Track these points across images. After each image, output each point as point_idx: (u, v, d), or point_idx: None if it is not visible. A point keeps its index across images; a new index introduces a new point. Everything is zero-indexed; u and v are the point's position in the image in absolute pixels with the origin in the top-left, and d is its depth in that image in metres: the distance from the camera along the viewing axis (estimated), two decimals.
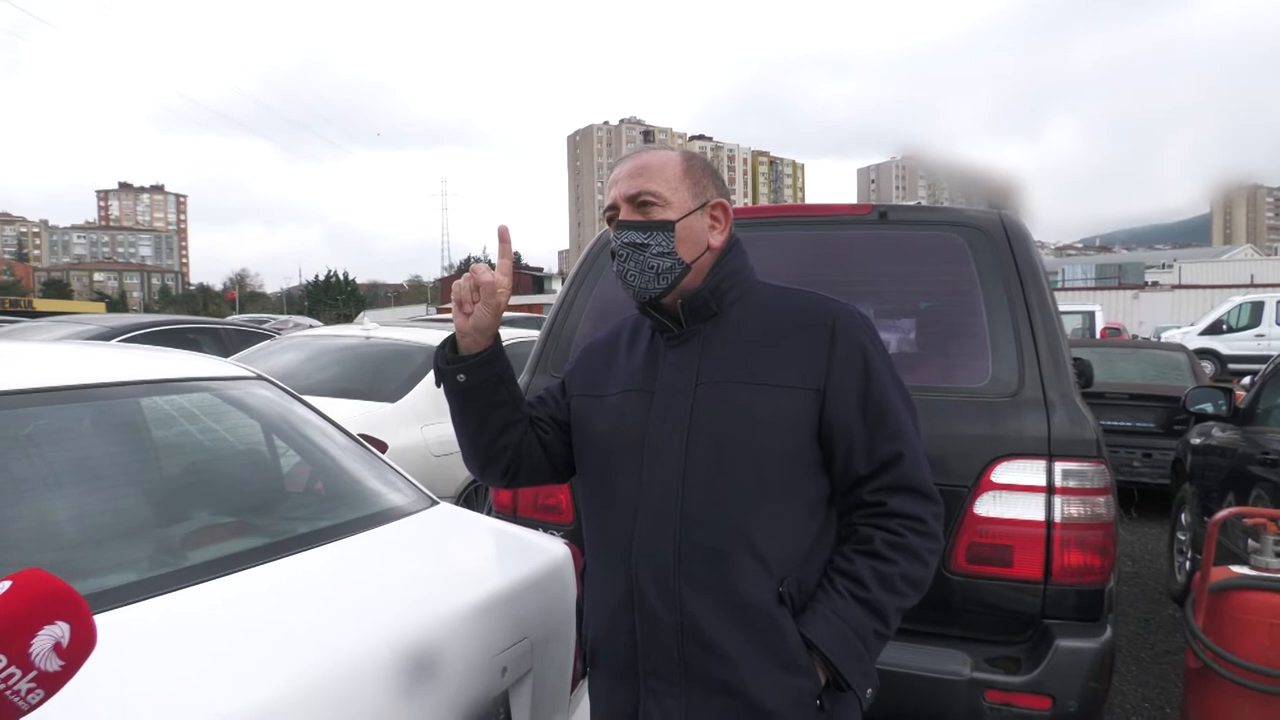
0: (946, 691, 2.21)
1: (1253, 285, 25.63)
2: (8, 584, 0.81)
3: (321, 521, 1.96)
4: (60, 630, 0.82)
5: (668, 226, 1.36)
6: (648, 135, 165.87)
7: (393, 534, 1.99)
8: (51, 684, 0.82)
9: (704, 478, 1.32)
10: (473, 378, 1.41)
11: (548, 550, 1.99)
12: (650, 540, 1.34)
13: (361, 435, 4.11)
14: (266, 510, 2.04)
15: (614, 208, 1.41)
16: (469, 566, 1.89)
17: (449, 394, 1.45)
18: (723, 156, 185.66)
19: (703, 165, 1.44)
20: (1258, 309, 19.92)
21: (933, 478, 1.38)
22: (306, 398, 4.27)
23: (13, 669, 0.79)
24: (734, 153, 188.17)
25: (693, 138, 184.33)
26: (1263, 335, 19.15)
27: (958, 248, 2.50)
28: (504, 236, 1.40)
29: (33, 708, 0.82)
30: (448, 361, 1.42)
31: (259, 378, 2.46)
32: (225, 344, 7.31)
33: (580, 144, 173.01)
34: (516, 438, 1.48)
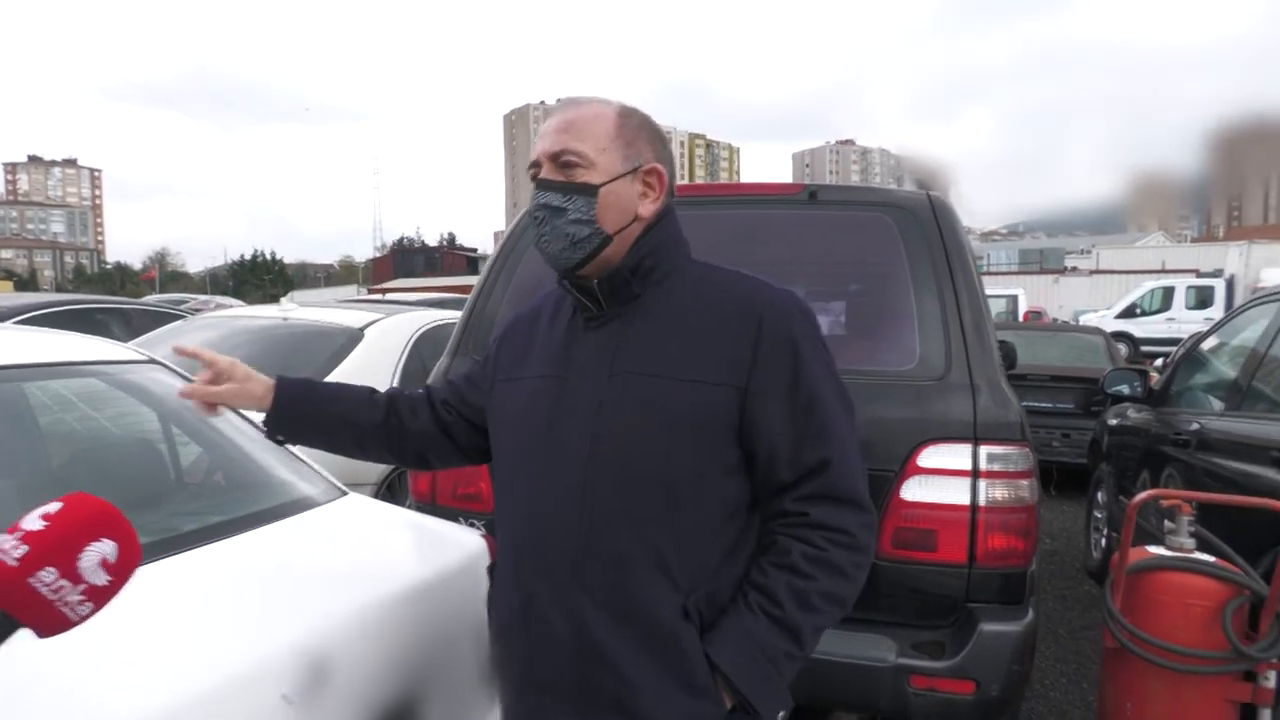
0: (872, 678, 2.19)
1: (1164, 271, 26.70)
2: (59, 505, 0.89)
3: (213, 517, 1.82)
4: (107, 547, 0.89)
5: (589, 190, 1.23)
6: None
7: (291, 529, 1.86)
8: (100, 597, 0.89)
9: (609, 479, 1.21)
10: (293, 433, 1.50)
11: (460, 543, 1.89)
12: (549, 545, 1.24)
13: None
14: (152, 506, 1.89)
15: (536, 164, 1.28)
16: (371, 563, 1.77)
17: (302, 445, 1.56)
18: None
19: (640, 124, 1.29)
20: (1169, 294, 20.83)
21: (866, 483, 1.27)
22: None
23: (63, 581, 0.86)
24: (671, 134, 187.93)
25: None
26: (1173, 319, 20.04)
27: (886, 228, 2.47)
28: (184, 352, 1.50)
29: (82, 619, 0.89)
30: (266, 431, 1.50)
31: (152, 361, 2.29)
32: (134, 325, 6.94)
33: (516, 123, 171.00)
34: (399, 435, 1.50)
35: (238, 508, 1.98)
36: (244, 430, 2.27)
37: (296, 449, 3.54)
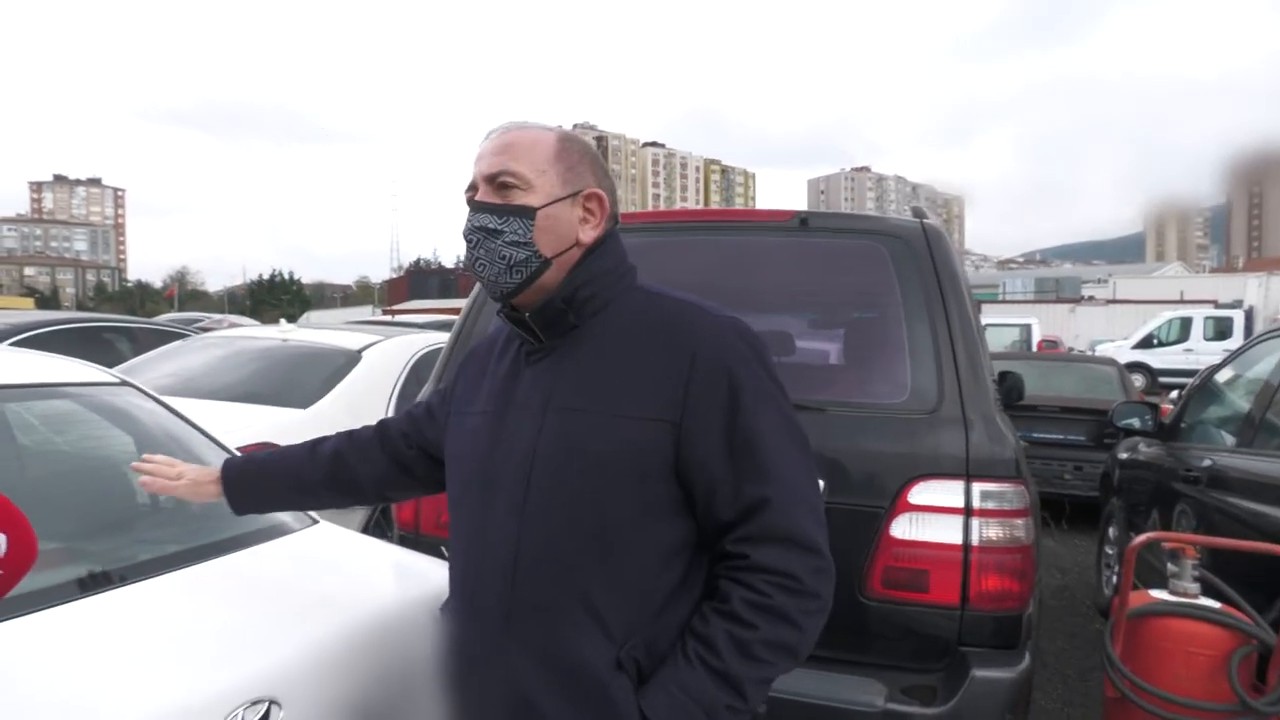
0: None
1: (1182, 301, 26.43)
2: None
3: (171, 546, 1.77)
4: None
5: (527, 213, 1.19)
6: (600, 141, 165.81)
7: (257, 557, 1.81)
8: None
9: (541, 521, 1.15)
10: (259, 506, 1.62)
11: (426, 576, 1.82)
12: (484, 590, 1.18)
13: (267, 444, 3.91)
14: (109, 534, 1.83)
15: (473, 187, 1.24)
16: (333, 595, 1.71)
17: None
18: (676, 164, 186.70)
19: (582, 150, 1.26)
20: (1187, 324, 20.60)
21: (822, 523, 1.18)
22: (210, 403, 4.08)
23: None
24: (687, 160, 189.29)
25: (646, 144, 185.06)
26: (1191, 350, 19.80)
27: (878, 257, 2.40)
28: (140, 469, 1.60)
29: None
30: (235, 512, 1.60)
31: (124, 383, 2.25)
32: (140, 344, 6.95)
33: None
34: (349, 483, 1.53)
35: (208, 534, 1.93)
36: (220, 454, 2.22)
37: None
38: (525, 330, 1.24)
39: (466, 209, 1.24)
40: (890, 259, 2.38)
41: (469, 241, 1.23)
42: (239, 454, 1.70)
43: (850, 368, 2.46)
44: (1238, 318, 20.43)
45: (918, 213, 2.67)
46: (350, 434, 1.56)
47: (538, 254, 1.20)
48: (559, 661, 1.13)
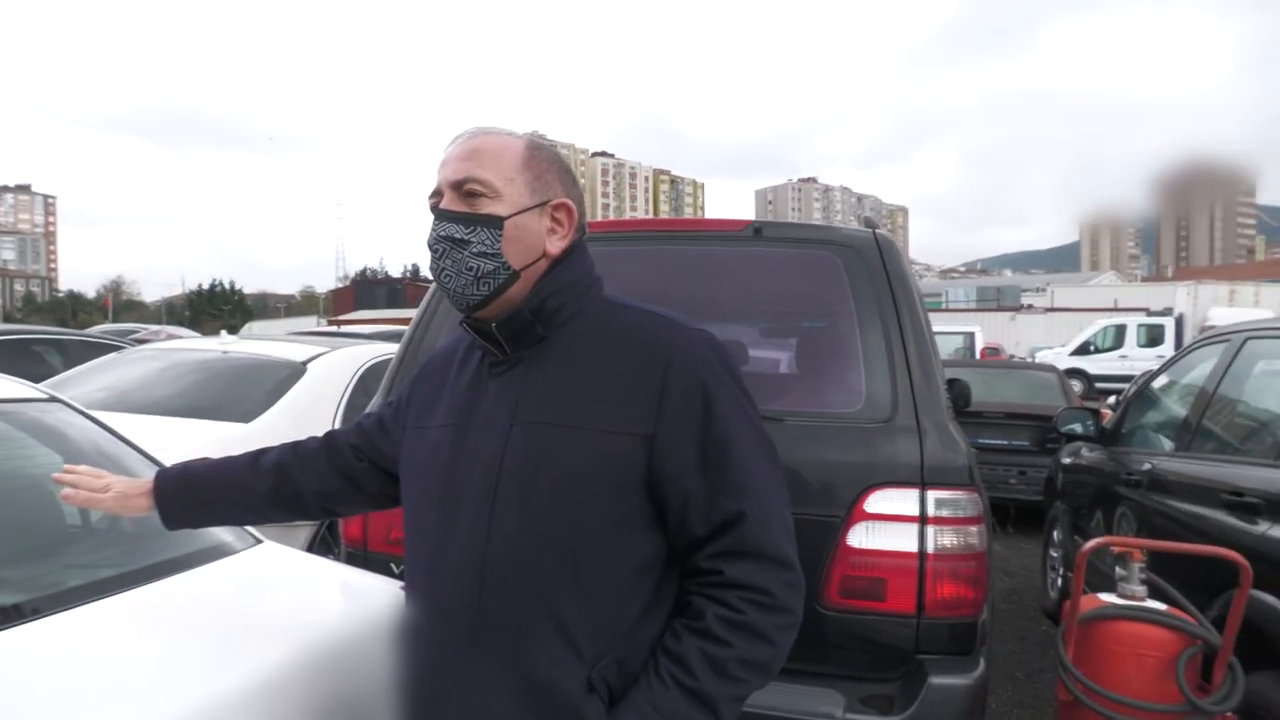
0: None
1: (1116, 309, 27.31)
2: None
3: (103, 571, 1.68)
4: None
5: (494, 222, 1.15)
6: None
7: (197, 580, 1.72)
8: None
9: (508, 536, 1.11)
10: (195, 520, 1.54)
11: (376, 596, 1.76)
12: (448, 609, 1.14)
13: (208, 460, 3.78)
14: (34, 559, 1.73)
15: (437, 193, 1.19)
16: (277, 619, 1.63)
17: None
18: (625, 174, 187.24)
19: (550, 158, 1.22)
20: (1121, 331, 21.32)
21: (792, 537, 1.17)
22: (147, 418, 3.93)
23: None
24: (636, 170, 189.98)
25: (595, 154, 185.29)
26: (1126, 356, 20.49)
27: (831, 266, 2.41)
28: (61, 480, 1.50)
29: None
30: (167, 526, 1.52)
31: (52, 399, 2.14)
32: (72, 357, 6.69)
33: None
34: (293, 497, 1.47)
35: (144, 556, 1.84)
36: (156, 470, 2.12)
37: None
38: (490, 341, 1.20)
39: (431, 216, 1.20)
40: (844, 268, 2.39)
41: (434, 251, 1.18)
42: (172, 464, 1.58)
43: (805, 377, 2.46)
44: (1169, 325, 21.21)
45: (869, 223, 2.69)
46: (295, 445, 1.48)
47: (506, 265, 1.16)
48: (529, 683, 1.09)
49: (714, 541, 1.13)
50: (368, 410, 2.67)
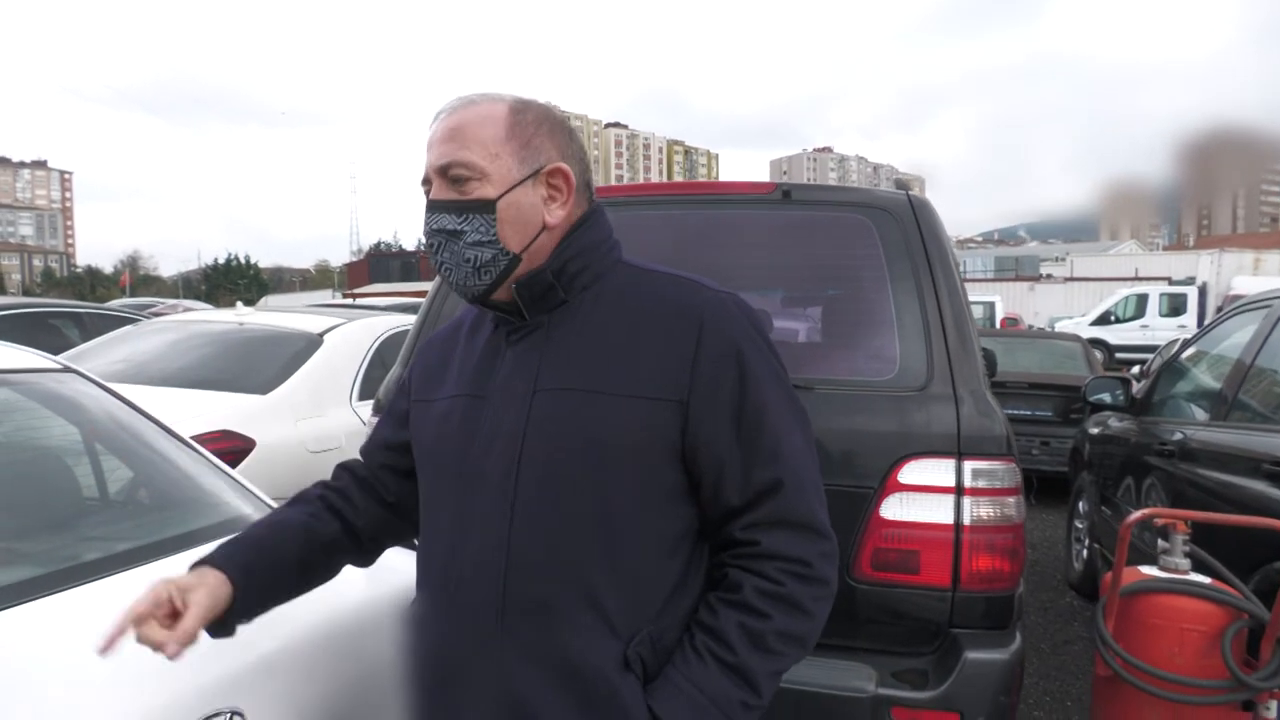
0: (851, 710, 2.04)
1: (1137, 278, 26.93)
2: None
3: (121, 544, 1.64)
4: None
5: (486, 207, 1.08)
6: None
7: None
8: None
9: (535, 510, 1.06)
10: (262, 604, 1.19)
11: (396, 570, 1.70)
12: (470, 587, 1.08)
13: (227, 432, 3.75)
14: (52, 532, 1.69)
15: (427, 180, 1.13)
16: None
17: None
18: (639, 145, 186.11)
19: (538, 119, 1.13)
20: (1143, 301, 21.03)
21: (825, 505, 1.13)
22: (163, 390, 3.91)
23: None
24: (650, 141, 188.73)
25: (608, 125, 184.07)
26: (1147, 326, 20.22)
27: (864, 229, 2.32)
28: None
29: None
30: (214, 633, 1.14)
31: (68, 370, 2.10)
32: (89, 330, 6.70)
33: None
34: (353, 538, 1.28)
35: (162, 529, 1.80)
36: (173, 442, 2.09)
37: (256, 457, 3.28)
38: (509, 310, 1.14)
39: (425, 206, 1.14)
40: (876, 232, 2.30)
41: (430, 246, 1.13)
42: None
43: (836, 344, 2.38)
44: (1191, 294, 20.88)
45: (902, 185, 2.60)
46: (315, 489, 1.31)
47: (505, 251, 1.10)
48: (562, 663, 1.04)
49: (750, 511, 1.09)
50: (389, 378, 2.63)
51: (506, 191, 1.09)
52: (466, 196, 1.09)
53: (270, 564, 1.18)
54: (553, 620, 1.05)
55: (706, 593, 1.11)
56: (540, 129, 1.13)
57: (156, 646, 1.04)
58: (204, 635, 1.11)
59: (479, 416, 1.12)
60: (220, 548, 1.19)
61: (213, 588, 1.11)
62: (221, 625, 1.13)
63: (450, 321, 1.32)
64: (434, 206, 1.11)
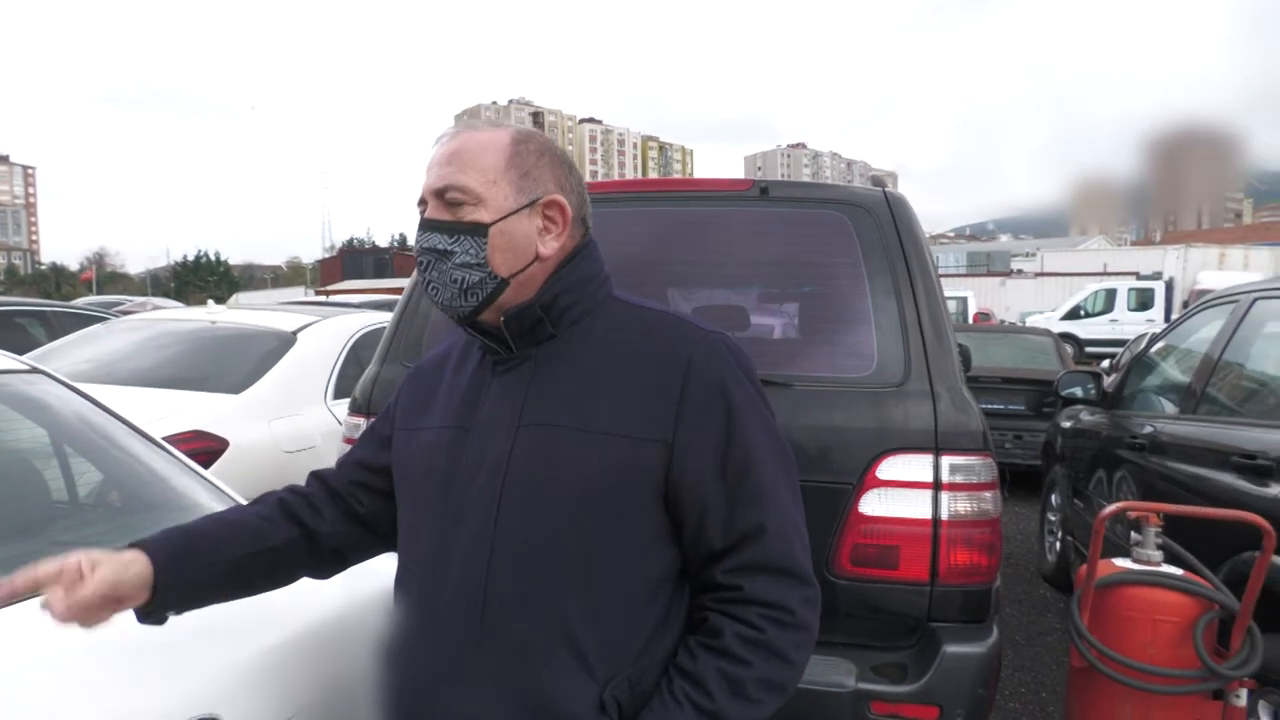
0: (831, 704, 2.06)
1: (1106, 273, 27.32)
2: None
3: (92, 550, 1.60)
4: None
5: (479, 230, 1.08)
6: (536, 117, 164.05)
7: None
8: None
9: (515, 547, 1.05)
10: (185, 600, 1.17)
11: (377, 573, 1.68)
12: (447, 624, 1.07)
13: (199, 432, 3.69)
14: (19, 538, 1.66)
15: (423, 201, 1.12)
16: (273, 599, 1.56)
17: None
18: (613, 140, 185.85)
19: (540, 150, 1.14)
20: (1111, 295, 21.34)
21: (808, 551, 1.12)
22: (134, 390, 3.84)
23: None
24: (624, 136, 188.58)
25: (583, 120, 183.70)
26: (1116, 320, 20.53)
27: (841, 226, 2.33)
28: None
29: None
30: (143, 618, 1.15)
31: (35, 370, 2.05)
32: (56, 329, 6.58)
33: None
34: (309, 548, 1.25)
35: (133, 532, 1.76)
36: (144, 443, 2.05)
37: (229, 457, 3.22)
38: (494, 339, 1.14)
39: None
40: (853, 228, 2.31)
41: (420, 264, 1.12)
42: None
43: (813, 341, 2.39)
44: (1159, 289, 21.22)
45: (878, 181, 2.62)
46: (285, 492, 1.29)
47: (493, 275, 1.09)
48: (537, 704, 1.03)
49: (733, 555, 1.08)
50: (365, 376, 2.59)
51: (501, 219, 1.09)
52: (460, 219, 1.09)
53: (204, 556, 1.16)
54: (529, 660, 1.04)
55: (686, 636, 1.10)
56: (541, 160, 1.13)
57: (45, 607, 1.05)
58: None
59: (462, 450, 1.11)
60: (158, 532, 1.19)
61: (125, 564, 1.10)
62: (147, 611, 1.13)
63: (438, 350, 1.31)
64: (426, 225, 1.11)
